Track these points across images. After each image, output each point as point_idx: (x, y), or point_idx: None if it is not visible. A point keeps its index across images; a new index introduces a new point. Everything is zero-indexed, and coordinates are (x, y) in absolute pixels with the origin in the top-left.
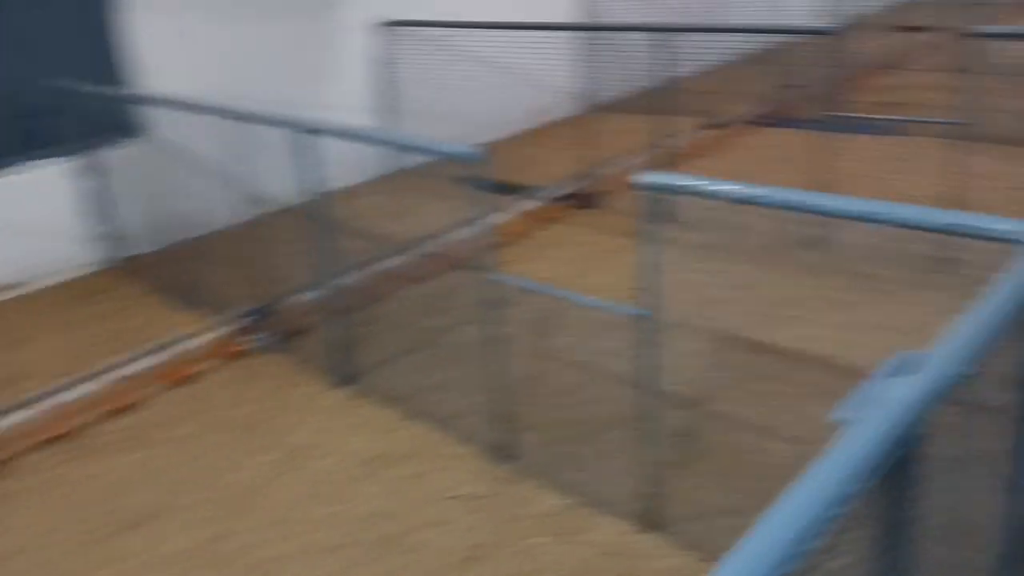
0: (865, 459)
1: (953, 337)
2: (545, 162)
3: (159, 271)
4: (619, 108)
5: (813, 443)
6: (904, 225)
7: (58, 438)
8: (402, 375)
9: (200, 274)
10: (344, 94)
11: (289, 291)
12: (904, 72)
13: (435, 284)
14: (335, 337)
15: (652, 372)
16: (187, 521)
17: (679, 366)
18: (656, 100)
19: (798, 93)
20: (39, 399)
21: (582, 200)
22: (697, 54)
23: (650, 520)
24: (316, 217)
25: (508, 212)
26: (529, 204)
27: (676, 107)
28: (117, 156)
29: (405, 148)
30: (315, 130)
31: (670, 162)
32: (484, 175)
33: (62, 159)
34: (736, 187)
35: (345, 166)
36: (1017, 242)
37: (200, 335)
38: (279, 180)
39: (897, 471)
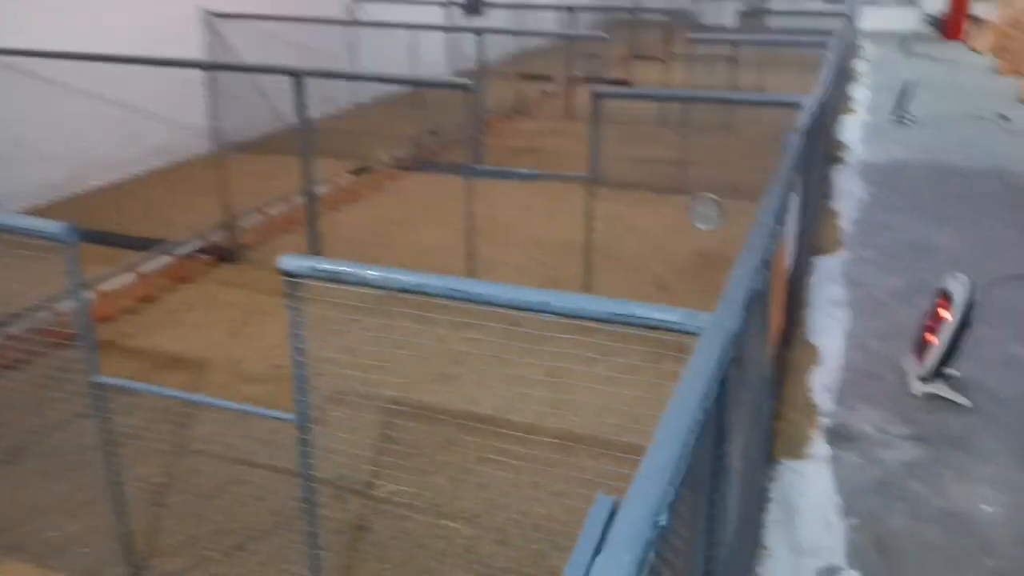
0: None
1: (648, 475)
2: (175, 209)
3: None
4: (259, 148)
5: (487, 515)
6: (569, 315)
7: None
8: None
9: None
10: None
11: None
12: (533, 118)
13: (31, 371)
14: None
15: (310, 464)
16: None
17: (344, 445)
18: (299, 141)
19: (442, 138)
20: None
21: (221, 253)
22: (333, 96)
23: None
24: None
25: (125, 274)
26: (155, 261)
27: (321, 149)
28: None
29: None
30: None
31: (318, 209)
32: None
33: None
34: (386, 275)
35: None
36: (687, 331)
37: None
38: None
39: None
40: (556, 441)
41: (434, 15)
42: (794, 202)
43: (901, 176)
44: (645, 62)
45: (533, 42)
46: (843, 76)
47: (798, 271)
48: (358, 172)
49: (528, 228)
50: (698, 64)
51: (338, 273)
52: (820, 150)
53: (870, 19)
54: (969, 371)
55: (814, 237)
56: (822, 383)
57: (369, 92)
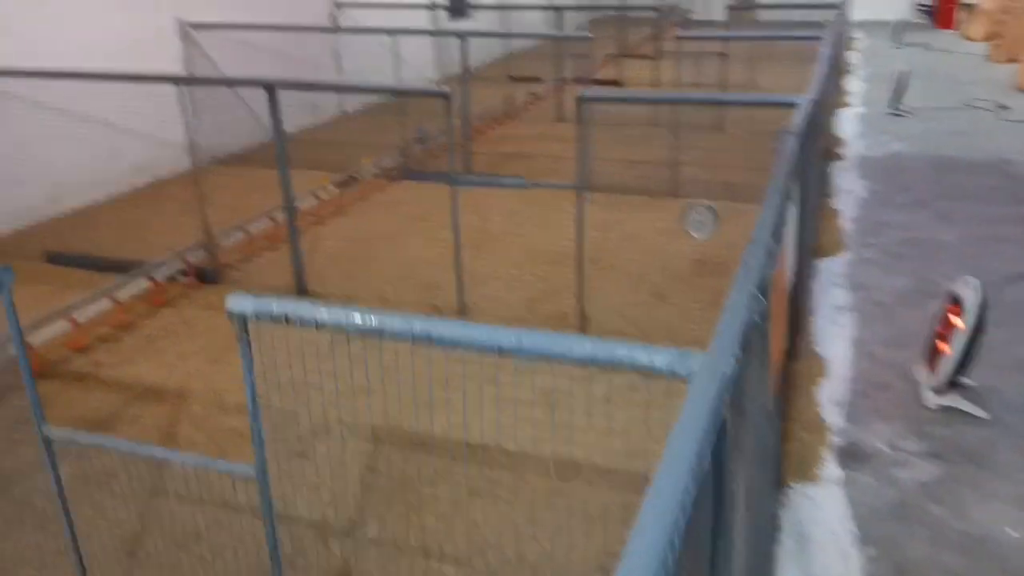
0: None
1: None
2: (155, 229)
3: None
4: (243, 161)
5: (479, 556)
6: (545, 357)
7: None
8: None
9: None
10: None
11: None
12: (523, 122)
13: None
14: None
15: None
16: None
17: (331, 481)
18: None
19: (429, 145)
20: None
21: (202, 275)
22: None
23: None
24: None
25: (100, 299)
26: (133, 285)
27: (306, 160)
28: None
29: None
30: None
31: (303, 225)
32: None
33: None
34: (342, 315)
35: None
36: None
37: None
38: None
39: None
40: (553, 470)
41: (420, 18)
42: (792, 211)
43: (900, 171)
44: (635, 60)
45: (521, 43)
46: (837, 69)
47: (800, 278)
48: (343, 184)
49: (520, 237)
50: (688, 61)
51: (289, 314)
52: (817, 150)
53: (861, 8)
54: (983, 378)
55: (815, 239)
56: (831, 397)
57: (355, 100)
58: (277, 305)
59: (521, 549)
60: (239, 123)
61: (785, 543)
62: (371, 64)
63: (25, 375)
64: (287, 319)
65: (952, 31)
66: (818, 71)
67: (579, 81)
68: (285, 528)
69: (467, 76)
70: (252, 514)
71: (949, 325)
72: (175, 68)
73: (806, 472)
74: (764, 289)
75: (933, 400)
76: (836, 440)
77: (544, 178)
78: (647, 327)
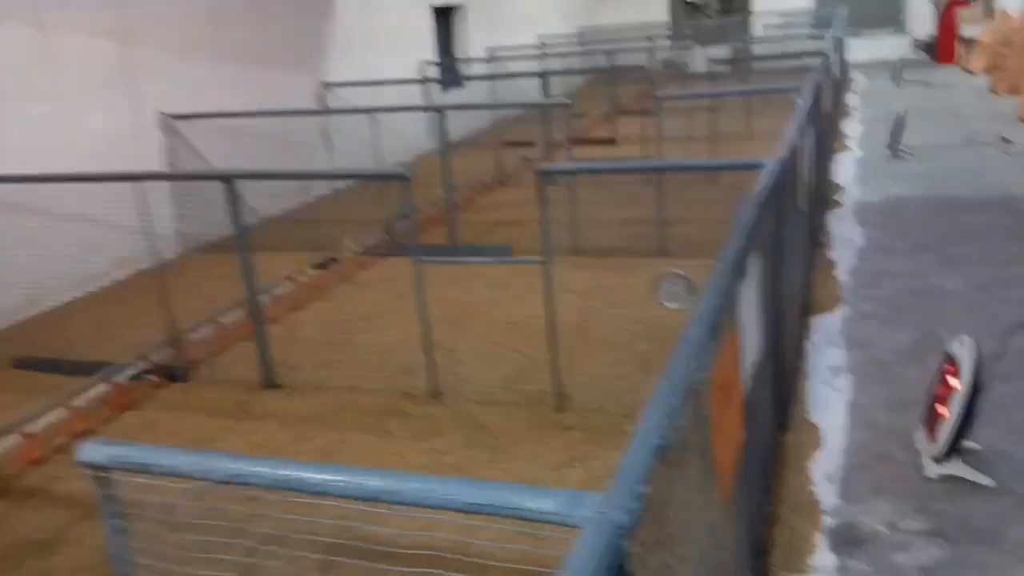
0: None
1: None
2: (130, 325)
3: None
4: (228, 248)
5: None
6: (419, 505)
7: None
8: None
9: None
10: None
11: None
12: (514, 187)
13: None
14: None
15: None
16: None
17: None
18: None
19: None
20: None
21: (169, 373)
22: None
23: None
24: None
25: (58, 408)
26: (96, 388)
27: (287, 242)
28: None
29: None
30: None
31: (280, 311)
32: None
33: None
34: (203, 462)
35: None
36: (568, 524)
37: None
38: None
39: None
40: None
41: (412, 92)
42: (749, 289)
43: (901, 214)
44: (630, 116)
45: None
46: (834, 113)
47: (790, 341)
48: (323, 265)
49: (502, 309)
50: (681, 114)
51: (146, 462)
52: (790, 209)
53: (859, 50)
54: (990, 440)
55: (807, 296)
56: (825, 472)
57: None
58: (133, 452)
59: None
60: (222, 209)
61: None
62: (361, 141)
63: None
64: (143, 469)
65: (953, 65)
66: (790, 128)
67: (573, 142)
68: None
69: (446, 149)
70: None
71: (947, 387)
72: (157, 161)
73: (796, 563)
74: (697, 394)
75: (934, 470)
76: (830, 522)
77: (532, 244)
78: (631, 402)
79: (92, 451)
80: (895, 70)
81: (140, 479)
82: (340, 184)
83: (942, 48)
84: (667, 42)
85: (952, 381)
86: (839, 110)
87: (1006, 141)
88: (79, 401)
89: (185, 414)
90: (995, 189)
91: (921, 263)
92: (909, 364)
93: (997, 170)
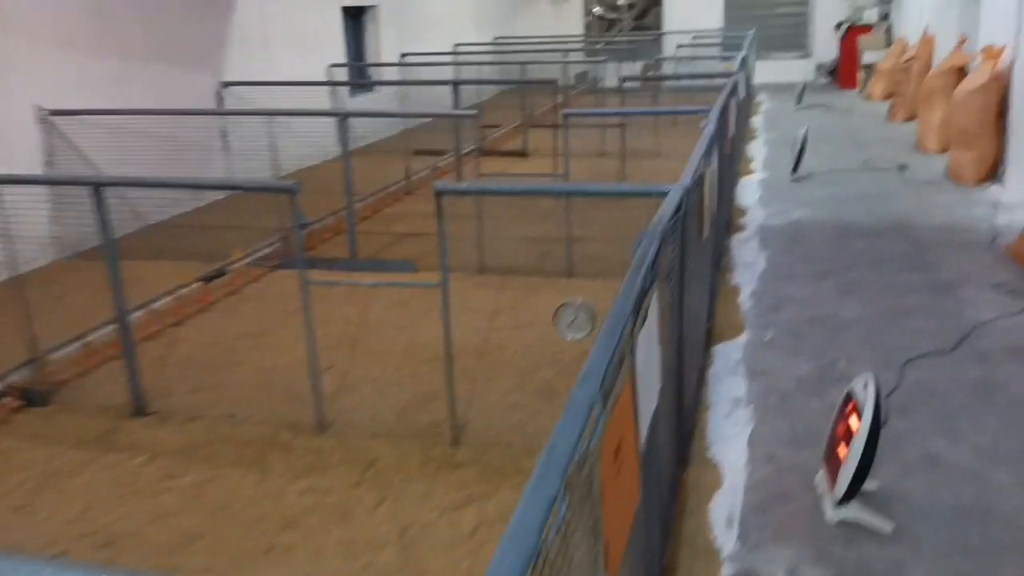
0: None
1: None
2: None
3: None
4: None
5: None
6: None
7: None
8: None
9: None
10: None
11: None
12: (421, 198)
13: None
14: None
15: None
16: None
17: None
18: (147, 244)
19: (299, 236)
20: None
21: (29, 396)
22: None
23: None
24: None
25: None
26: None
27: (178, 249)
28: None
29: None
30: None
31: (159, 328)
32: None
33: None
34: None
35: None
36: None
37: None
38: None
39: None
40: None
41: (320, 95)
42: (648, 331)
43: (802, 239)
44: (542, 129)
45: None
46: (738, 136)
47: (691, 371)
48: (210, 278)
49: (403, 331)
50: (591, 130)
51: None
52: (694, 237)
53: (765, 72)
54: (888, 477)
55: (710, 322)
56: (725, 513)
57: (244, 179)
58: None
59: None
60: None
61: None
62: (262, 144)
63: None
64: None
65: (854, 91)
66: (695, 154)
67: (484, 153)
68: None
69: (349, 156)
70: None
71: (848, 428)
72: (33, 160)
73: None
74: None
75: (834, 514)
76: (729, 571)
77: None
78: (531, 434)
79: None
80: (799, 93)
81: None
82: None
83: (844, 73)
84: (581, 56)
85: (853, 422)
86: (745, 132)
87: (902, 168)
88: None
89: (42, 443)
90: (892, 216)
91: (821, 290)
92: (810, 395)
93: (894, 197)
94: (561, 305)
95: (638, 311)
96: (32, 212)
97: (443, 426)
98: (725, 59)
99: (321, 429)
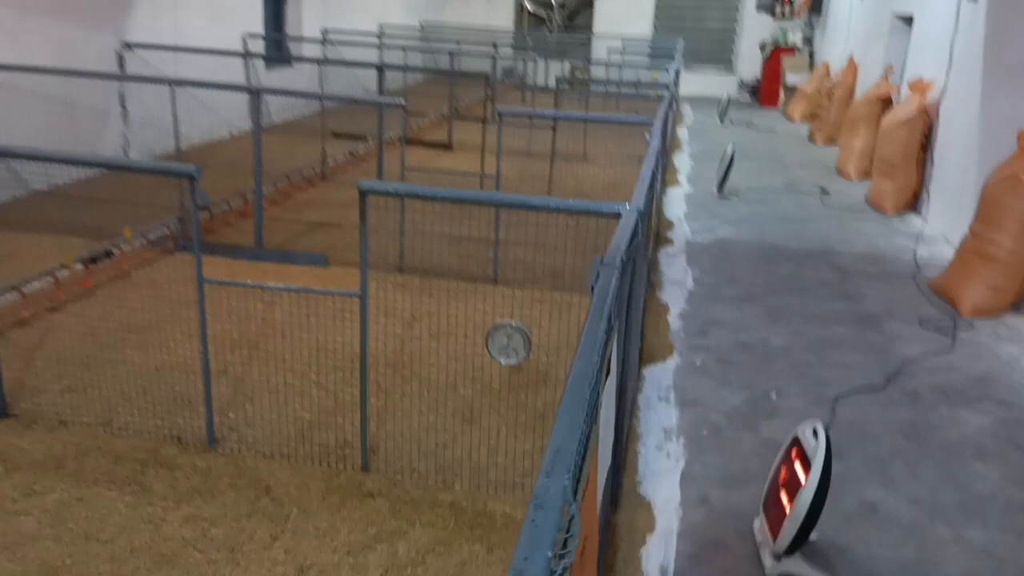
0: None
1: None
2: None
3: None
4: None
5: None
6: None
7: None
8: None
9: None
10: None
11: None
12: (337, 184)
13: None
14: None
15: None
16: None
17: None
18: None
19: (195, 220)
20: None
21: None
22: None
23: None
24: None
25: None
26: None
27: (59, 223)
28: None
29: None
30: None
31: (33, 313)
32: None
33: None
34: None
35: None
36: None
37: None
38: None
39: None
40: None
41: (233, 66)
42: (611, 382)
43: (729, 259)
44: (468, 123)
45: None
46: (668, 146)
47: (623, 397)
48: (94, 259)
49: (310, 332)
50: (521, 128)
51: None
52: (643, 260)
53: (687, 83)
54: (827, 528)
55: (642, 344)
56: (658, 563)
57: (142, 149)
58: None
59: None
60: None
61: None
62: (165, 114)
63: None
64: None
65: (775, 109)
66: (645, 170)
67: (407, 142)
68: None
69: (260, 137)
70: None
71: (793, 476)
72: None
73: None
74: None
75: (774, 568)
76: None
77: (351, 254)
78: (448, 461)
79: None
80: (722, 108)
81: None
82: (135, 156)
83: (766, 92)
84: (510, 51)
85: (798, 471)
86: (671, 144)
87: (824, 192)
88: None
89: None
90: (816, 241)
91: (749, 314)
92: (741, 429)
93: (818, 221)
94: (494, 327)
95: (604, 366)
96: None
97: (351, 448)
98: (653, 68)
99: (210, 444)
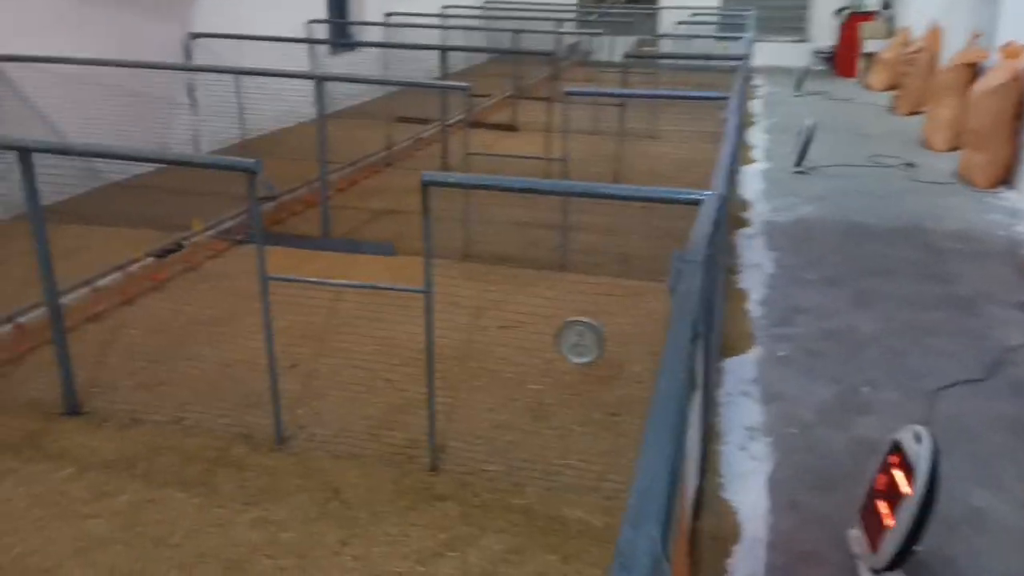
0: None
1: None
2: None
3: None
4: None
5: None
6: None
7: None
8: None
9: None
10: None
11: None
12: (404, 171)
13: None
14: None
15: None
16: None
17: None
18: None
19: (278, 202)
20: None
21: None
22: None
23: None
24: None
25: None
26: None
27: (132, 216)
28: None
29: None
30: None
31: (104, 308)
32: None
33: None
34: None
35: None
36: None
37: None
38: None
39: None
40: None
41: (298, 53)
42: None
43: (810, 239)
44: (534, 103)
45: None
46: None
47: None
48: (165, 253)
49: (381, 325)
50: (588, 106)
51: None
52: (722, 249)
53: (761, 54)
54: (931, 536)
55: (721, 334)
56: (744, 574)
57: (215, 139)
58: None
59: None
60: (63, 171)
61: None
62: (233, 103)
63: None
64: None
65: (853, 79)
66: (724, 151)
67: (472, 125)
68: None
69: (324, 124)
70: None
71: (893, 486)
72: None
73: None
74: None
75: None
76: None
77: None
78: (519, 463)
79: None
80: (798, 79)
81: None
82: (205, 146)
83: (842, 60)
84: (574, 26)
85: (900, 480)
86: (745, 119)
87: (910, 165)
88: None
89: None
90: (903, 218)
91: (834, 299)
92: (832, 427)
93: (903, 197)
94: (564, 324)
95: (692, 381)
96: None
97: (420, 447)
98: (724, 39)
99: (280, 443)
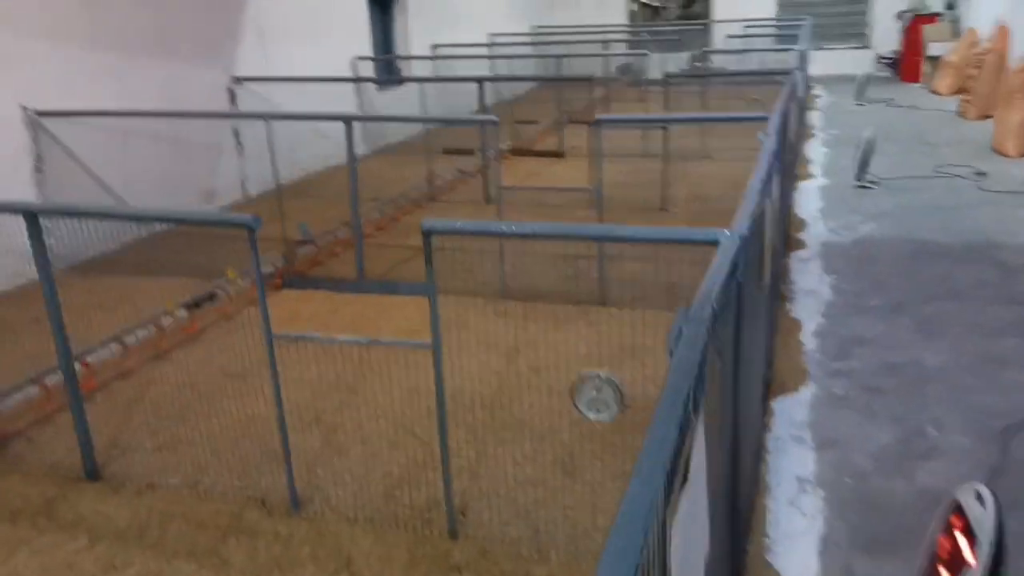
0: None
1: None
2: None
3: None
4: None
5: None
6: None
7: None
8: None
9: None
10: None
11: None
12: (446, 204)
13: None
14: None
15: None
16: None
17: None
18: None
19: (314, 246)
20: None
21: None
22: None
23: None
24: None
25: None
26: None
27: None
28: None
29: None
30: None
31: (134, 364)
32: None
33: None
34: None
35: None
36: None
37: None
38: None
39: None
40: None
41: (344, 91)
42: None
43: (871, 261)
44: (581, 128)
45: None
46: (798, 135)
47: (746, 440)
48: (198, 303)
49: (411, 373)
50: (633, 129)
51: None
52: (752, 288)
53: (821, 63)
54: None
55: (768, 371)
56: None
57: (258, 182)
58: None
59: None
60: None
61: None
62: (287, 142)
63: None
64: None
65: (918, 84)
66: (753, 181)
67: (517, 153)
68: None
69: (355, 164)
70: None
71: (957, 553)
72: (20, 166)
73: None
74: None
75: None
76: None
77: (461, 281)
78: (544, 524)
79: None
80: (859, 87)
81: None
82: (253, 191)
83: (906, 66)
84: (623, 47)
85: (963, 546)
86: (802, 131)
87: (980, 174)
88: None
89: None
90: (973, 234)
91: (898, 328)
92: (892, 475)
93: (973, 209)
94: (579, 378)
95: (674, 477)
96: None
97: (440, 508)
98: (779, 51)
99: (294, 508)
